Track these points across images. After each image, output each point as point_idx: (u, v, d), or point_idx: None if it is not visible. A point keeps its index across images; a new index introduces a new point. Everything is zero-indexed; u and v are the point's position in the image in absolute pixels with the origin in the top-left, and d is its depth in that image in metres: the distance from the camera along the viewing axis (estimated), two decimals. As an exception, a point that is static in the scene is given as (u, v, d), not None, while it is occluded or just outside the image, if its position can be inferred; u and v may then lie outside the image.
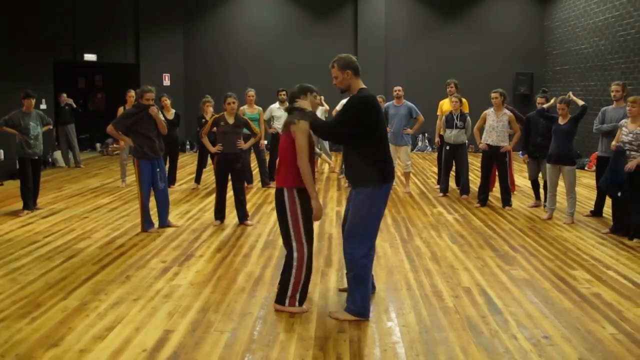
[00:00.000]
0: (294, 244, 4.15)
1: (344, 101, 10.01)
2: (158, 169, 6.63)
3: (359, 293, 4.14)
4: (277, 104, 9.88)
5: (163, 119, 6.83)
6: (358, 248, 4.10)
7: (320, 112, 9.71)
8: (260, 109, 9.59)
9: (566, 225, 7.06)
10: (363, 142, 4.07)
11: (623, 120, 6.53)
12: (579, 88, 13.19)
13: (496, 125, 8.00)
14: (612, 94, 7.36)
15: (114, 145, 13.88)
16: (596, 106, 10.89)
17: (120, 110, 9.61)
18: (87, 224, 6.94)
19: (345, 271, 4.26)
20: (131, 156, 9.48)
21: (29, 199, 7.56)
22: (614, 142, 6.55)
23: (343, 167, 10.02)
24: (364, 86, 4.19)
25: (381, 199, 4.12)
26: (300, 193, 4.13)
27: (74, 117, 12.38)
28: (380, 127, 4.14)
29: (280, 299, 4.24)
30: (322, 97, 10.16)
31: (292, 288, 4.19)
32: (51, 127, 8.66)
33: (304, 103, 4.20)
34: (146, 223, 6.60)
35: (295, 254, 4.15)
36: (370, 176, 4.06)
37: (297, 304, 4.22)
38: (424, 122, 9.48)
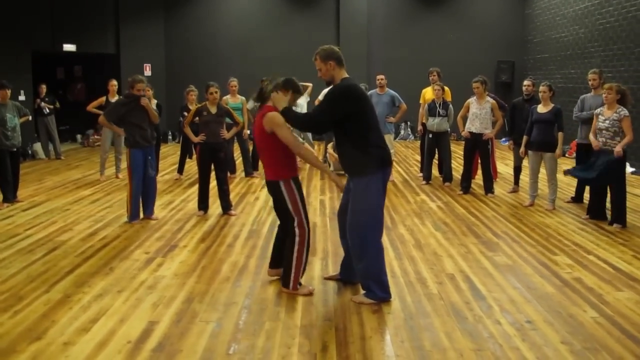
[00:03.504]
0: (296, 229, 4.29)
1: (325, 91, 10.00)
2: (149, 157, 6.63)
3: (375, 285, 4.18)
4: (259, 94, 9.83)
5: (155, 108, 6.83)
6: (365, 238, 4.13)
7: (303, 99, 9.64)
8: (243, 98, 9.54)
9: (547, 211, 7.15)
10: (353, 130, 4.07)
11: (599, 109, 6.60)
12: (560, 76, 13.31)
13: (479, 113, 8.05)
14: (590, 82, 7.44)
15: (95, 137, 13.71)
16: (576, 94, 10.99)
17: (102, 100, 9.50)
18: (69, 216, 6.87)
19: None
20: (113, 148, 9.44)
21: (9, 192, 7.45)
22: (592, 138, 6.58)
23: (326, 155, 10.09)
24: (346, 76, 4.19)
25: (379, 186, 4.15)
26: (295, 181, 4.31)
27: (53, 110, 12.15)
28: (369, 114, 4.13)
29: (285, 282, 4.37)
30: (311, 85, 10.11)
31: (294, 271, 4.32)
32: (29, 119, 8.53)
33: (281, 98, 4.21)
34: (133, 215, 6.55)
35: (297, 238, 4.29)
36: (366, 163, 4.07)
37: (298, 285, 4.36)
38: (407, 110, 9.50)
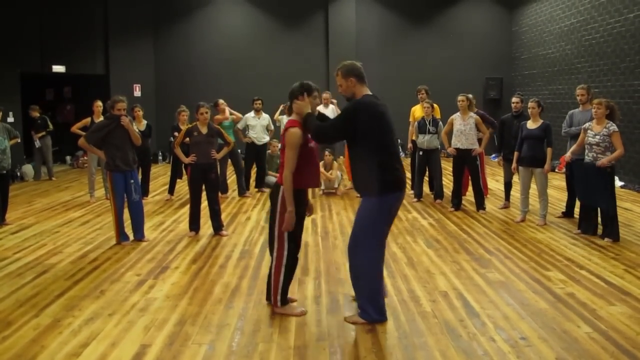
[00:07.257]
0: (275, 242, 4.24)
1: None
2: (132, 181, 6.52)
3: (369, 305, 4.12)
4: (252, 113, 9.84)
5: (136, 129, 6.74)
6: (362, 258, 4.09)
7: (330, 111, 9.58)
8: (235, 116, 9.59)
9: (539, 227, 7.17)
10: (365, 148, 4.00)
11: (587, 124, 6.66)
12: (547, 92, 13.45)
13: (464, 129, 8.09)
14: (578, 98, 7.50)
15: (84, 158, 13.63)
16: (564, 109, 11.12)
17: (87, 120, 9.46)
18: (59, 239, 6.80)
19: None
20: (100, 169, 9.38)
21: (-3, 215, 7.39)
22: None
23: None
24: (368, 92, 4.15)
25: (382, 209, 4.04)
26: (297, 195, 4.15)
27: (47, 134, 12.02)
28: (379, 134, 3.99)
29: (270, 300, 4.38)
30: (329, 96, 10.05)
31: (273, 288, 4.30)
32: (18, 141, 8.47)
33: (302, 105, 4.15)
34: (121, 235, 6.50)
35: (274, 253, 4.25)
36: (370, 185, 4.01)
37: (279, 304, 4.31)
38: None
